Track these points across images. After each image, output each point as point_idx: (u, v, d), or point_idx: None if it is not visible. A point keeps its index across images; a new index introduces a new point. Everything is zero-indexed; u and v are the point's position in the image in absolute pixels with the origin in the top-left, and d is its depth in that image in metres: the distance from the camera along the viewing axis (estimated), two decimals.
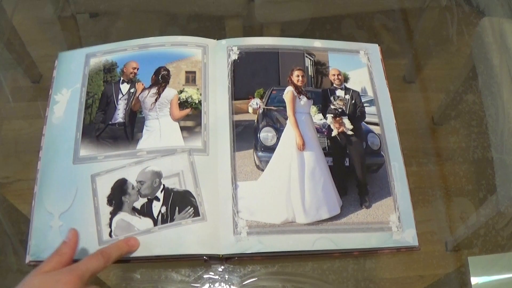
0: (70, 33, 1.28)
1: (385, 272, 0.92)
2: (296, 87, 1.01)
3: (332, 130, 0.99)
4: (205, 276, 0.89)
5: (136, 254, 0.85)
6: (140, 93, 1.00)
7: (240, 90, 1.01)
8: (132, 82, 1.01)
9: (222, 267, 0.88)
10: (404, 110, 1.11)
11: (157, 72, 1.02)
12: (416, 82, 1.27)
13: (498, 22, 1.15)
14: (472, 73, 1.14)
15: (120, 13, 1.28)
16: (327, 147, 0.97)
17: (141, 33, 1.08)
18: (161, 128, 0.97)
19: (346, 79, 1.05)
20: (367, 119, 1.02)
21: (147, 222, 0.88)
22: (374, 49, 1.10)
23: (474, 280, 0.85)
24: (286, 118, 0.98)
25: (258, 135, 0.97)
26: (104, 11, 1.29)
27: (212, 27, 1.26)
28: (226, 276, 0.89)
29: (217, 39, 1.06)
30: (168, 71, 1.02)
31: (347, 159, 0.97)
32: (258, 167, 0.94)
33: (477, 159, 1.07)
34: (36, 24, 1.30)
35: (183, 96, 0.99)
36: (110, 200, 0.90)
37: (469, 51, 1.20)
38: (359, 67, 1.07)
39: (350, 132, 0.99)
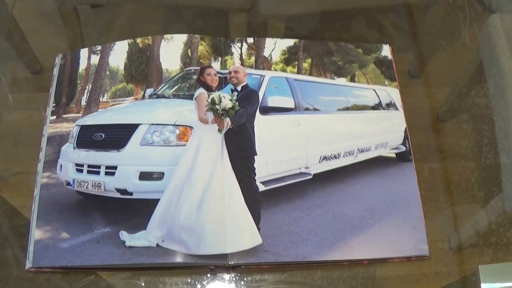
0: (71, 25, 1.25)
1: (395, 281, 0.90)
2: None
3: None
4: (211, 284, 0.86)
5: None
6: None
7: None
8: None
9: (229, 275, 0.86)
10: (409, 105, 1.09)
11: None
12: (421, 77, 1.25)
13: (509, 19, 1.10)
14: (479, 70, 1.11)
15: (122, 6, 1.24)
16: None
17: (144, 31, 1.05)
18: None
19: None
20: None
21: None
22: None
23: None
24: None
25: None
26: (105, 2, 1.25)
27: (218, 24, 1.22)
28: (233, 285, 0.87)
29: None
30: None
31: None
32: None
33: (483, 156, 1.05)
34: (37, 16, 1.27)
35: None
36: None
37: (476, 46, 1.17)
38: None
39: None
